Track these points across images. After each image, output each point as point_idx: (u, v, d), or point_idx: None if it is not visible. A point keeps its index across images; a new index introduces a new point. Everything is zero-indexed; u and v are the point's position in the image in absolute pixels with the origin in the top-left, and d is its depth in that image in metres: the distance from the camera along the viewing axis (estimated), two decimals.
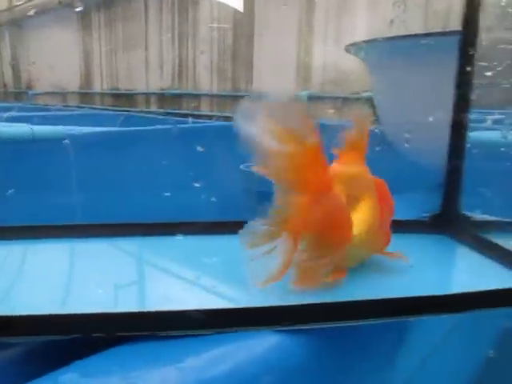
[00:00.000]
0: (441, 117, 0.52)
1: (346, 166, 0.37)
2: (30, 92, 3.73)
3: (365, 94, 1.17)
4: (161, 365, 0.28)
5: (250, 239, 0.34)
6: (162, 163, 1.08)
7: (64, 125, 1.21)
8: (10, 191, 0.80)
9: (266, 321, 0.30)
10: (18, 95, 3.86)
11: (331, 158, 0.37)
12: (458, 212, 0.50)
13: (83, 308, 0.32)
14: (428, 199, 0.55)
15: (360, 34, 1.80)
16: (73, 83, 3.47)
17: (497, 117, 0.66)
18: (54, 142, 1.06)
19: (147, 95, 2.88)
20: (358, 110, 0.38)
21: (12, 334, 0.29)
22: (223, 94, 2.40)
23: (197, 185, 0.65)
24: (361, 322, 0.32)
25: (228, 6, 2.33)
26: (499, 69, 0.52)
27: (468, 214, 0.50)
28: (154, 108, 2.81)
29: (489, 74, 0.52)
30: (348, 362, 0.35)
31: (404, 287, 0.38)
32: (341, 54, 0.98)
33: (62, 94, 3.58)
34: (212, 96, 2.47)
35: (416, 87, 0.64)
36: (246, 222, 0.47)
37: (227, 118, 2.26)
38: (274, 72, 2.14)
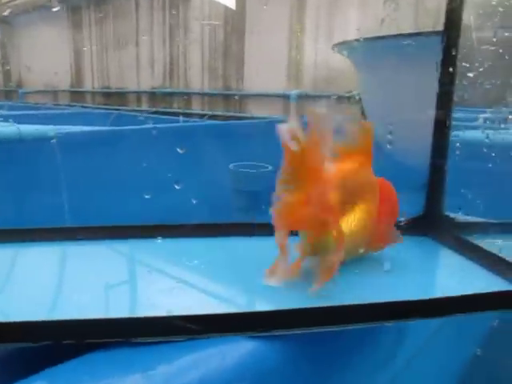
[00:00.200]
0: (426, 116, 0.52)
1: (345, 167, 0.38)
2: (21, 91, 3.70)
3: (355, 93, 1.17)
4: (132, 372, 0.28)
5: None
6: (151, 163, 1.07)
7: (54, 124, 1.20)
8: None
9: (239, 327, 0.30)
10: (9, 94, 3.83)
11: None
12: (440, 213, 0.50)
13: (55, 314, 0.32)
14: (412, 200, 0.55)
15: (351, 33, 1.80)
16: (64, 82, 3.44)
17: (486, 115, 0.66)
18: (42, 141, 1.05)
19: (138, 94, 2.87)
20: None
21: None
22: (214, 92, 2.39)
23: (178, 187, 0.65)
24: (336, 328, 0.31)
25: (219, 4, 2.32)
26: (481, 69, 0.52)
27: (451, 215, 0.50)
28: (145, 107, 2.80)
29: (470, 75, 0.51)
30: (325, 367, 0.35)
31: (384, 290, 0.38)
32: (332, 52, 0.97)
33: (53, 93, 3.56)
34: (203, 94, 2.46)
35: (401, 86, 0.64)
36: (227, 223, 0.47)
37: (218, 117, 2.26)
38: (265, 70, 2.13)
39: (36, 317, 0.29)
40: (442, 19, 0.48)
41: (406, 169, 0.47)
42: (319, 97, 1.91)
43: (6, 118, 1.11)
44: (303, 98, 2.01)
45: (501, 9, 0.63)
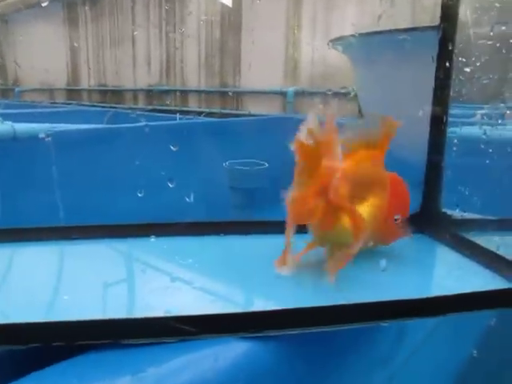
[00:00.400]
0: (423, 112, 0.52)
1: (355, 161, 0.39)
2: (17, 89, 3.68)
3: (350, 89, 1.16)
4: (122, 375, 0.27)
5: None
6: (147, 161, 1.06)
7: (50, 122, 1.19)
8: None
9: (232, 328, 0.29)
10: (5, 92, 3.81)
11: None
12: (437, 210, 0.49)
13: (46, 315, 0.31)
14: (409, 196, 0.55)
15: (348, 29, 1.79)
16: (60, 80, 3.43)
17: (483, 111, 0.66)
18: (36, 140, 1.05)
19: (135, 91, 2.86)
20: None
21: None
22: (211, 89, 2.38)
23: (174, 185, 0.64)
24: (331, 328, 0.31)
25: (216, 1, 2.31)
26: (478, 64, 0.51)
27: (448, 212, 0.50)
28: (141, 104, 2.79)
29: (467, 69, 0.51)
30: (320, 368, 0.34)
31: (379, 289, 0.37)
32: (329, 48, 0.97)
33: (50, 91, 3.54)
34: (200, 92, 2.45)
35: (397, 82, 0.64)
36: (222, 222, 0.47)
37: (215, 114, 2.25)
38: (262, 67, 2.12)
39: (26, 318, 0.29)
40: (439, 15, 0.47)
41: (403, 165, 0.46)
42: (316, 93, 1.90)
43: (1, 117, 1.11)
44: (300, 94, 2.01)
45: (497, 4, 0.62)
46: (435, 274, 0.43)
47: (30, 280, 0.38)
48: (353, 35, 0.68)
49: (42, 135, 0.99)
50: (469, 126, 0.63)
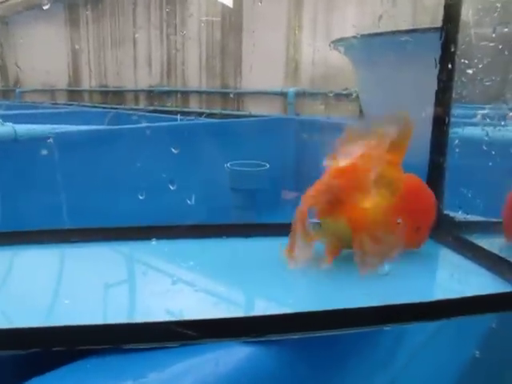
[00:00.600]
0: (425, 113, 0.51)
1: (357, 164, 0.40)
2: (18, 90, 3.68)
3: (352, 90, 1.16)
4: (123, 380, 0.27)
5: None
6: (148, 161, 1.06)
7: (52, 123, 1.19)
8: None
9: (234, 332, 0.29)
10: (6, 93, 3.81)
11: None
12: (440, 212, 0.49)
13: (46, 319, 0.31)
14: None
15: (350, 30, 1.79)
16: (61, 80, 3.43)
17: (485, 112, 0.65)
18: (38, 141, 1.04)
19: (136, 92, 2.85)
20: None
21: None
22: (212, 90, 2.38)
23: (176, 186, 0.64)
24: (334, 333, 0.30)
25: (216, 3, 2.30)
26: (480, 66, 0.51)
27: (451, 214, 0.49)
28: (143, 105, 2.79)
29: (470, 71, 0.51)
30: (323, 371, 0.34)
31: (383, 292, 0.37)
32: (330, 49, 0.96)
33: (51, 92, 3.54)
34: (201, 93, 2.45)
35: (398, 83, 0.63)
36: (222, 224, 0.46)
37: (216, 115, 2.25)
38: (263, 68, 2.12)
39: (27, 322, 0.29)
40: (440, 16, 0.47)
41: (405, 167, 0.46)
42: (317, 94, 1.90)
43: (2, 118, 1.11)
44: (301, 95, 2.00)
45: (498, 4, 0.62)
46: (438, 277, 0.42)
47: (30, 283, 0.38)
48: (354, 36, 0.67)
49: (46, 135, 0.99)
50: (471, 126, 0.62)
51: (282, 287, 0.38)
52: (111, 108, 2.53)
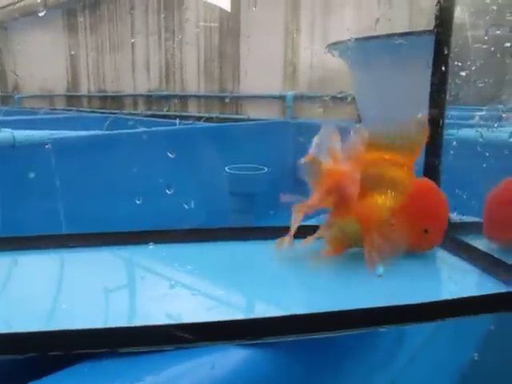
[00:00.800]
0: (420, 114, 0.52)
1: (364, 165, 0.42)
2: (17, 95, 3.69)
3: (347, 93, 1.17)
4: (120, 383, 0.27)
5: None
6: (147, 166, 1.06)
7: (51, 128, 1.19)
8: None
9: (230, 335, 0.29)
10: (5, 99, 3.82)
11: None
12: None
13: (43, 324, 0.31)
14: None
15: (347, 33, 1.79)
16: (60, 86, 3.43)
17: (481, 113, 0.66)
18: (36, 147, 1.05)
19: (135, 97, 2.86)
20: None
21: None
22: (210, 94, 2.38)
23: (174, 190, 0.64)
24: (330, 335, 0.31)
25: (214, 7, 2.31)
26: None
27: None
28: (141, 110, 2.79)
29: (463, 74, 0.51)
30: (320, 374, 0.34)
31: (376, 293, 0.37)
32: (326, 53, 0.97)
33: (49, 97, 3.55)
34: (199, 97, 2.45)
35: (393, 87, 0.64)
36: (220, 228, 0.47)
37: (215, 119, 2.25)
38: (261, 72, 2.13)
39: (24, 327, 0.29)
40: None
41: None
42: (315, 97, 1.90)
43: (1, 124, 1.11)
44: (299, 98, 2.01)
45: (494, 7, 0.62)
46: (433, 278, 0.43)
47: (28, 288, 0.38)
48: (348, 40, 0.68)
49: (45, 140, 0.99)
50: (467, 128, 0.63)
51: (280, 289, 0.38)
52: (110, 113, 2.54)
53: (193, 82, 2.48)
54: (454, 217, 0.50)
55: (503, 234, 0.45)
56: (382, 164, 0.42)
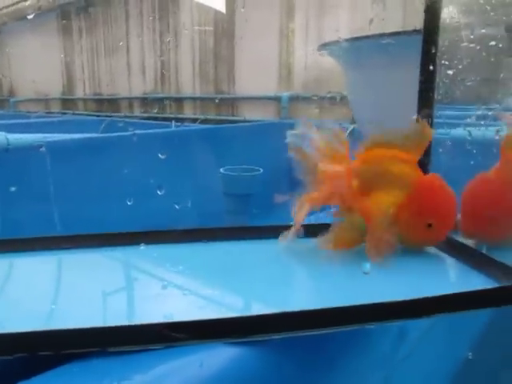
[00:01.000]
0: (410, 115, 0.52)
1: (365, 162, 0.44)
2: (12, 99, 3.68)
3: (336, 94, 1.17)
4: (108, 382, 0.27)
5: None
6: (141, 168, 1.06)
7: (46, 132, 1.19)
8: None
9: (219, 333, 0.29)
10: (0, 103, 3.81)
11: None
12: None
13: (32, 324, 0.31)
14: None
15: (341, 34, 1.80)
16: (55, 89, 3.43)
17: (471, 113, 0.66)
18: (30, 150, 1.05)
19: (130, 100, 2.86)
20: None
21: None
22: (206, 96, 2.38)
23: (171, 192, 0.64)
24: (320, 332, 0.31)
25: (209, 10, 2.32)
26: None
27: None
28: (137, 112, 2.79)
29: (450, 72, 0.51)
30: (311, 372, 0.34)
31: (370, 291, 0.38)
32: (320, 54, 0.97)
33: (45, 101, 3.54)
34: (195, 99, 2.46)
35: (384, 86, 0.64)
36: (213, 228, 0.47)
37: (210, 121, 2.26)
38: (256, 73, 2.13)
39: (14, 327, 0.29)
40: None
41: None
42: (310, 98, 1.91)
43: None
44: (295, 99, 2.01)
45: (485, 7, 0.63)
46: (425, 277, 0.43)
47: (22, 289, 0.39)
48: (338, 40, 0.68)
49: (39, 143, 0.99)
50: (457, 127, 0.63)
51: (273, 288, 0.38)
52: (106, 116, 2.54)
53: (188, 84, 2.48)
54: None
55: (477, 229, 0.45)
56: (386, 160, 0.44)
